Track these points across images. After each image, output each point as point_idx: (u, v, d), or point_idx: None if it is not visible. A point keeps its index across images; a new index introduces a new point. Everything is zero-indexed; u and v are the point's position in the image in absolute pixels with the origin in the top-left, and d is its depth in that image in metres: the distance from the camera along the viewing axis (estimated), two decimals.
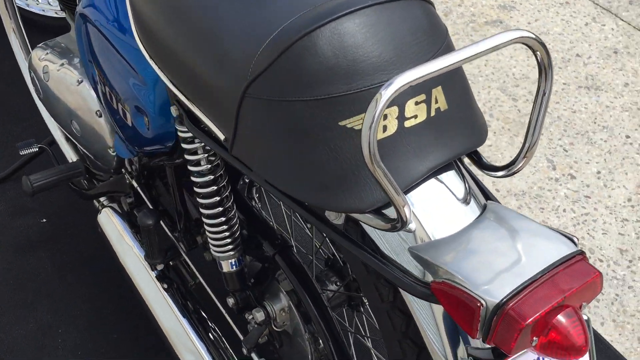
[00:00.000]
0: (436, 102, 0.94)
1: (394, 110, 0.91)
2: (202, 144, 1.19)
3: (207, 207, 1.25)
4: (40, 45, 1.74)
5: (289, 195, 0.96)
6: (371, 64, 0.90)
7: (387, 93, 0.77)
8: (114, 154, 1.59)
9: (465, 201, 0.96)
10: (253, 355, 1.34)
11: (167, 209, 1.52)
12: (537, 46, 0.86)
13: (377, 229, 0.91)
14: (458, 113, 0.96)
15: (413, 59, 0.92)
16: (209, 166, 1.21)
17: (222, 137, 1.01)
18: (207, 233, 1.29)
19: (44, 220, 2.01)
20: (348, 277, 1.31)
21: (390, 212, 0.93)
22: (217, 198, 1.24)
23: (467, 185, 0.98)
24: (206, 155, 1.20)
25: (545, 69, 0.88)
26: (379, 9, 0.92)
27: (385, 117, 0.90)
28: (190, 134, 1.18)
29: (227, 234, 1.27)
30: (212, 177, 1.22)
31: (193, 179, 1.24)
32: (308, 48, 0.89)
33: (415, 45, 0.93)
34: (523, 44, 0.85)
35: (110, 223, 1.64)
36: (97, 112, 1.56)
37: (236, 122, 0.96)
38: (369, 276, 1.06)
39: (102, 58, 1.30)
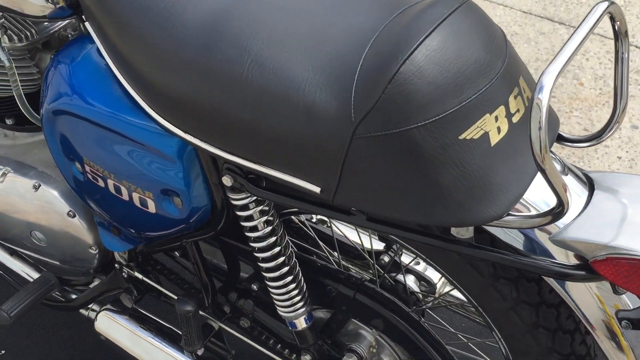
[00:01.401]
0: (524, 91, 0.95)
1: (502, 109, 0.90)
2: (259, 207, 1.11)
3: (271, 270, 1.16)
4: None
5: (403, 227, 0.92)
6: (472, 71, 0.88)
7: (546, 91, 0.77)
8: (95, 252, 1.44)
9: (576, 178, 0.98)
10: None
11: (190, 287, 1.40)
12: (618, 14, 0.89)
13: (527, 228, 0.90)
14: None
15: (499, 54, 0.92)
16: (269, 228, 1.13)
17: (316, 190, 0.95)
18: (273, 296, 1.20)
19: (3, 352, 1.77)
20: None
21: (522, 208, 0.93)
22: (282, 258, 1.16)
23: (564, 165, 1.00)
24: (264, 217, 1.12)
25: (622, 34, 0.92)
26: (455, 16, 0.91)
27: (497, 118, 0.90)
28: (246, 200, 1.10)
29: (296, 291, 1.20)
30: (273, 238, 1.14)
31: (252, 244, 1.15)
32: (412, 72, 0.86)
33: (493, 42, 0.93)
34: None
35: (115, 326, 1.48)
36: (70, 213, 1.41)
37: (342, 167, 0.90)
38: (485, 280, 1.05)
39: (100, 149, 1.16)
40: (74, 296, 1.56)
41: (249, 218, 1.12)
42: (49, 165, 1.45)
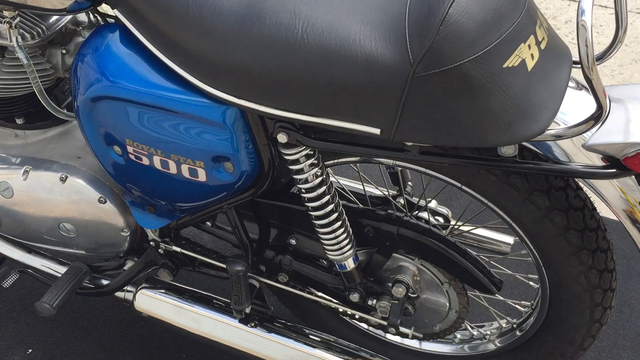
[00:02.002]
0: (543, 22, 1.08)
1: (532, 38, 1.03)
2: (310, 160, 1.20)
3: (322, 217, 1.26)
4: None
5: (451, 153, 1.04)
6: (506, 7, 1.01)
7: (587, 14, 0.91)
8: (127, 234, 1.50)
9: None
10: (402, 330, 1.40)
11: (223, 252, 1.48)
12: None
13: (570, 136, 1.03)
14: (550, 29, 1.11)
15: None
16: (319, 179, 1.23)
17: (376, 131, 1.05)
18: (323, 242, 1.30)
19: (29, 350, 1.79)
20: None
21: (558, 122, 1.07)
22: (332, 205, 1.26)
23: (576, 80, 1.15)
24: (314, 169, 1.22)
25: None
26: None
27: (530, 47, 1.02)
28: (298, 155, 1.19)
29: (345, 235, 1.30)
30: (323, 187, 1.24)
31: (304, 195, 1.24)
32: (459, 13, 0.97)
33: None
34: None
35: (156, 302, 1.53)
36: (101, 200, 1.46)
37: (402, 107, 1.01)
38: (521, 194, 1.19)
39: (146, 128, 1.22)
40: (105, 282, 1.60)
41: (301, 171, 1.22)
42: (71, 157, 1.49)
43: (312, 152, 1.20)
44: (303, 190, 1.24)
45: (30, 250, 1.67)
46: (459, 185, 1.24)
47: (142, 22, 1.17)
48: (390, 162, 1.25)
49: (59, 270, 1.63)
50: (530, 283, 1.57)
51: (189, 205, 1.36)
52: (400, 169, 1.54)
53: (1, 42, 1.32)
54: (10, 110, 1.48)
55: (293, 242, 1.42)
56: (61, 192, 1.47)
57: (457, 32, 0.97)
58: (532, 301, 1.48)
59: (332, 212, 1.26)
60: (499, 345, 1.50)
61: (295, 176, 1.23)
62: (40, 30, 1.35)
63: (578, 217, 1.21)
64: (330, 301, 1.44)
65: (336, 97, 1.05)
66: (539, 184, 1.19)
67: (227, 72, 1.10)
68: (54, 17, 1.38)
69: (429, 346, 1.61)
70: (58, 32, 1.39)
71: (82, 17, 1.44)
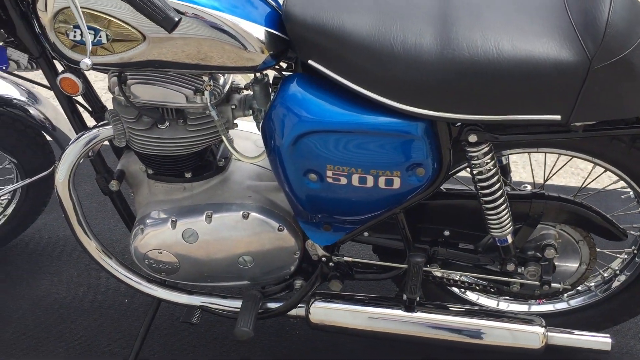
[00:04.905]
0: None
1: None
2: (490, 154, 1.50)
3: (493, 200, 1.56)
4: (137, 225, 1.73)
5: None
6: (637, 8, 1.37)
7: None
8: (297, 256, 1.74)
9: None
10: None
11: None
12: None
13: None
14: None
15: None
16: (495, 168, 1.52)
17: (557, 118, 1.37)
18: (491, 222, 1.60)
19: None
20: None
21: None
22: (501, 190, 1.56)
23: None
24: (493, 161, 1.51)
25: None
26: None
27: None
28: (482, 151, 1.49)
29: (507, 213, 1.60)
30: (497, 175, 1.54)
31: (480, 184, 1.54)
32: (617, 17, 1.31)
33: None
34: None
35: (332, 312, 1.76)
36: (280, 228, 1.69)
37: (580, 95, 1.34)
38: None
39: (347, 152, 1.48)
40: (275, 304, 1.81)
41: (481, 164, 1.51)
42: (243, 197, 1.73)
43: (489, 147, 1.51)
44: (480, 179, 1.54)
45: (209, 292, 1.87)
46: (590, 158, 1.58)
47: (339, 66, 1.44)
48: (555, 150, 1.57)
49: (231, 304, 1.83)
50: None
51: (368, 216, 1.62)
52: (506, 162, 1.87)
53: (191, 105, 1.55)
54: (183, 166, 1.70)
55: (447, 233, 1.71)
56: (244, 228, 1.69)
57: (619, 31, 1.31)
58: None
59: (501, 195, 1.57)
60: (628, 274, 1.82)
61: (477, 169, 1.52)
62: (219, 90, 1.59)
63: None
64: (487, 277, 1.73)
65: (525, 95, 1.36)
66: None
67: (429, 92, 1.39)
68: (222, 77, 1.62)
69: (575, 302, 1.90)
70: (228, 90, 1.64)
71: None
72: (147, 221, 1.73)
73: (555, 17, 1.37)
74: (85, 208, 1.83)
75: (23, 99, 2.02)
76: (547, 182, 1.77)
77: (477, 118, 1.41)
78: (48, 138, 2.11)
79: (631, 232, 1.86)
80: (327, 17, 1.43)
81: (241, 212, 1.69)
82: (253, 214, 1.69)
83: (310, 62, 1.48)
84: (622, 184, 1.66)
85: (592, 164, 1.61)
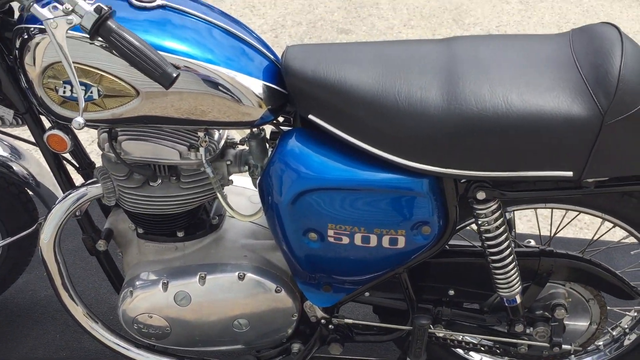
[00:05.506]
0: None
1: None
2: (499, 212, 1.44)
3: (502, 259, 1.49)
4: (126, 287, 1.64)
5: None
6: None
7: None
8: (294, 318, 1.65)
9: None
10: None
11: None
12: None
13: None
14: None
15: None
16: (503, 226, 1.46)
17: (568, 174, 1.32)
18: (499, 282, 1.53)
19: None
20: None
21: None
22: (510, 249, 1.49)
23: None
24: (501, 218, 1.45)
25: None
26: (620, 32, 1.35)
27: None
28: (490, 209, 1.42)
29: (516, 272, 1.53)
30: (505, 233, 1.47)
31: (488, 243, 1.47)
32: (628, 72, 1.27)
33: None
34: None
35: None
36: (277, 289, 1.61)
37: (593, 150, 1.28)
38: None
39: (349, 210, 1.41)
40: None
41: (489, 221, 1.45)
42: (238, 257, 1.65)
43: (497, 204, 1.45)
44: (487, 237, 1.48)
45: (201, 357, 1.77)
46: (599, 214, 1.52)
47: (341, 121, 1.38)
48: (563, 206, 1.51)
49: None
50: None
51: (370, 276, 1.55)
52: (510, 217, 1.81)
53: (185, 162, 1.48)
54: (175, 225, 1.62)
55: (452, 292, 1.64)
56: (240, 290, 1.61)
57: (631, 85, 1.27)
58: None
59: (510, 253, 1.50)
60: (638, 333, 1.74)
61: (484, 227, 1.46)
62: (214, 146, 1.53)
63: None
64: (493, 338, 1.65)
65: (535, 151, 1.31)
66: None
67: (436, 148, 1.33)
68: (217, 132, 1.56)
69: None
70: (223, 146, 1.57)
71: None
72: (137, 283, 1.64)
73: (565, 71, 1.33)
74: (69, 265, 1.73)
75: (5, 154, 1.93)
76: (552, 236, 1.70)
77: (486, 174, 1.35)
78: (31, 194, 2.03)
79: None
80: (328, 70, 1.38)
81: (236, 273, 1.60)
82: (249, 275, 1.61)
83: (310, 116, 1.42)
84: (631, 238, 1.61)
85: (601, 219, 1.56)
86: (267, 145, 1.56)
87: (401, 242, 1.46)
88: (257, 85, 1.40)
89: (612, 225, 1.57)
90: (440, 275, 1.62)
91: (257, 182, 1.50)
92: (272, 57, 1.49)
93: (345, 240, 1.47)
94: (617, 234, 1.71)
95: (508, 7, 3.82)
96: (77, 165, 1.70)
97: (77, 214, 1.63)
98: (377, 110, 1.35)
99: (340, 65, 1.39)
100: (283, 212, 1.46)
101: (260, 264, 1.63)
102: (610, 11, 3.81)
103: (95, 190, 1.56)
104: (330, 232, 1.46)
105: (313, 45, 1.47)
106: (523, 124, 1.29)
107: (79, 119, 1.24)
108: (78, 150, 1.67)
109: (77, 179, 1.68)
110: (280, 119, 1.55)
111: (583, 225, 2.40)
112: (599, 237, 1.71)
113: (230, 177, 1.59)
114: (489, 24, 3.68)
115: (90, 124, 1.41)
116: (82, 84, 1.34)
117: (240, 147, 1.60)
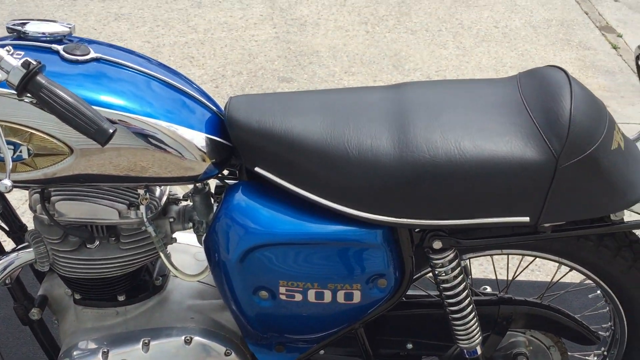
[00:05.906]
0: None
1: (617, 129, 1.34)
2: (456, 260, 1.39)
3: (460, 310, 1.44)
4: (62, 358, 1.52)
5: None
6: (598, 102, 1.32)
7: None
8: None
9: None
10: None
11: None
12: None
13: None
14: None
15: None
16: (461, 275, 1.41)
17: (525, 219, 1.28)
18: (458, 333, 1.47)
19: None
20: None
21: None
22: (468, 298, 1.44)
23: None
24: (458, 267, 1.40)
25: None
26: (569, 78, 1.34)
27: (618, 133, 1.33)
28: (447, 258, 1.37)
29: (475, 322, 1.48)
30: (463, 283, 1.42)
31: (445, 293, 1.42)
32: (580, 113, 1.26)
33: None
34: None
35: None
36: (227, 352, 1.53)
37: (549, 194, 1.25)
38: (612, 252, 1.46)
39: (301, 266, 1.34)
40: None
41: (446, 271, 1.40)
42: (184, 320, 1.55)
43: (454, 253, 1.40)
44: (445, 288, 1.42)
45: None
46: (556, 258, 1.49)
47: (289, 172, 1.32)
48: (519, 252, 1.47)
49: None
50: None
51: (325, 333, 1.47)
52: (465, 264, 1.76)
53: (125, 221, 1.39)
54: (115, 288, 1.52)
55: (410, 346, 1.57)
56: (187, 355, 1.51)
57: (583, 127, 1.25)
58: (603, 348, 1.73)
59: (469, 303, 1.45)
60: None
61: (441, 277, 1.41)
62: (155, 204, 1.44)
63: None
64: None
65: (491, 197, 1.27)
66: (623, 241, 1.47)
67: (389, 197, 1.28)
68: (159, 189, 1.48)
69: None
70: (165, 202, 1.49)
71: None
72: (74, 353, 1.52)
73: (516, 116, 1.30)
74: (0, 334, 1.60)
75: None
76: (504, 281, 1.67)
77: (441, 223, 1.31)
78: None
79: (600, 332, 1.77)
80: (274, 120, 1.32)
81: (183, 337, 1.51)
82: (196, 339, 1.51)
83: (257, 169, 1.36)
84: (588, 281, 1.58)
85: (558, 264, 1.53)
86: (212, 200, 1.48)
87: (357, 297, 1.39)
88: (199, 139, 1.33)
89: (569, 269, 1.54)
90: (397, 328, 1.56)
91: (203, 239, 1.42)
92: (214, 108, 1.43)
93: (298, 297, 1.39)
94: (573, 277, 1.68)
95: (446, 53, 3.87)
96: (7, 229, 1.58)
97: (7, 281, 1.51)
98: (326, 161, 1.29)
99: (286, 115, 1.33)
100: (231, 270, 1.38)
101: (208, 326, 1.54)
102: (544, 54, 3.89)
103: (26, 255, 1.45)
104: (282, 290, 1.39)
105: (257, 95, 1.42)
106: (477, 170, 1.26)
107: (6, 182, 1.15)
108: (8, 213, 1.56)
109: (7, 242, 1.57)
110: (225, 172, 1.48)
111: (535, 268, 2.38)
112: (557, 281, 1.68)
113: (174, 235, 1.50)
114: (428, 69, 3.71)
115: (20, 185, 1.32)
116: (9, 142, 1.25)
117: (184, 203, 1.53)
